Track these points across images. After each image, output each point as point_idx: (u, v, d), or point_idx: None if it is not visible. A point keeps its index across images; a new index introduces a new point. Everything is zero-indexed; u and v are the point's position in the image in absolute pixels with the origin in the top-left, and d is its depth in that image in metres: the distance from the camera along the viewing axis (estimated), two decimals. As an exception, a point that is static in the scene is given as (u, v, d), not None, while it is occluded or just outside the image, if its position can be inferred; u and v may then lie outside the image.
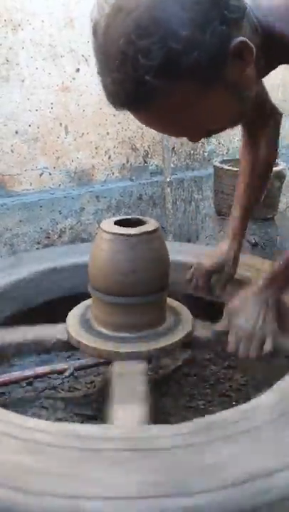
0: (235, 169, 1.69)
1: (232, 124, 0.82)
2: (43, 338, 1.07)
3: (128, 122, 1.88)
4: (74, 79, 1.72)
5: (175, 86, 0.64)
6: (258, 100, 1.09)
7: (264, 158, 1.19)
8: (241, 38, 0.65)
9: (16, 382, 1.28)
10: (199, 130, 0.79)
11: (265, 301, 0.99)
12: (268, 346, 0.96)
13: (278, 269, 0.99)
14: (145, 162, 1.97)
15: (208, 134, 0.83)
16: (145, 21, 0.60)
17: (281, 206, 1.93)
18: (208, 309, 1.34)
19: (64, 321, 1.06)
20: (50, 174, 1.74)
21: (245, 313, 0.99)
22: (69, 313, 1.10)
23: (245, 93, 0.74)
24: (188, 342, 1.05)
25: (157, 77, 0.61)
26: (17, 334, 1.07)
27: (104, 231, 1.00)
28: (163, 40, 0.60)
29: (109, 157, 1.87)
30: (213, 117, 0.74)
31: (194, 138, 0.83)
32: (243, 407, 0.75)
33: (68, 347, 1.05)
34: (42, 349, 1.09)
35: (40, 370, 1.32)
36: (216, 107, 0.71)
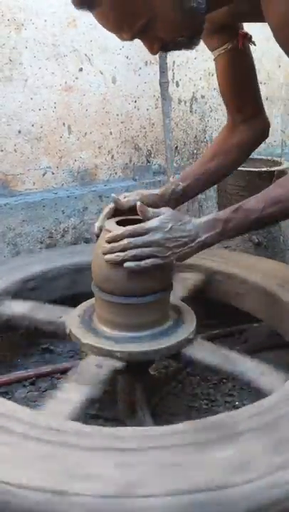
0: (238, 169, 1.68)
1: (175, 34, 0.88)
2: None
3: (131, 122, 1.88)
4: (77, 78, 1.72)
5: None
6: (244, 89, 1.15)
7: (233, 159, 1.23)
8: None
9: (19, 381, 1.28)
10: (150, 34, 0.87)
11: (196, 232, 0.98)
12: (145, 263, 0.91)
13: (228, 213, 0.99)
14: (148, 162, 1.97)
15: (163, 44, 0.90)
16: None
17: (284, 206, 1.92)
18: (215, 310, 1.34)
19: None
20: (53, 174, 1.74)
21: (169, 221, 0.95)
22: (73, 311, 1.11)
23: (187, 3, 0.83)
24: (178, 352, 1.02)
25: None
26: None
27: (108, 230, 1.00)
28: None
29: (112, 157, 1.87)
30: (156, 16, 0.84)
31: (150, 45, 0.91)
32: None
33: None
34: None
35: (43, 369, 1.32)
36: (158, 5, 0.82)
